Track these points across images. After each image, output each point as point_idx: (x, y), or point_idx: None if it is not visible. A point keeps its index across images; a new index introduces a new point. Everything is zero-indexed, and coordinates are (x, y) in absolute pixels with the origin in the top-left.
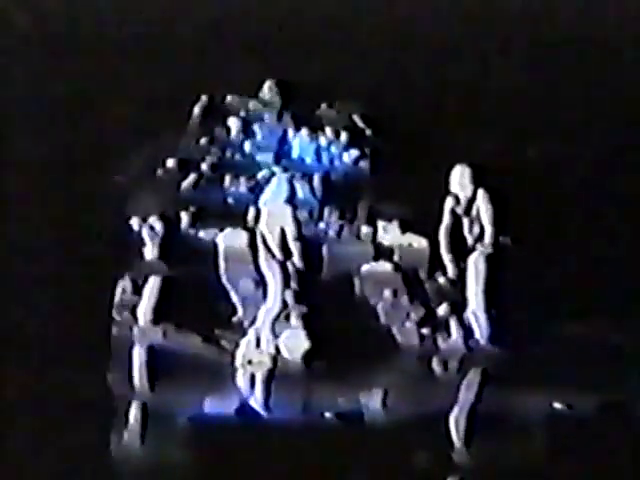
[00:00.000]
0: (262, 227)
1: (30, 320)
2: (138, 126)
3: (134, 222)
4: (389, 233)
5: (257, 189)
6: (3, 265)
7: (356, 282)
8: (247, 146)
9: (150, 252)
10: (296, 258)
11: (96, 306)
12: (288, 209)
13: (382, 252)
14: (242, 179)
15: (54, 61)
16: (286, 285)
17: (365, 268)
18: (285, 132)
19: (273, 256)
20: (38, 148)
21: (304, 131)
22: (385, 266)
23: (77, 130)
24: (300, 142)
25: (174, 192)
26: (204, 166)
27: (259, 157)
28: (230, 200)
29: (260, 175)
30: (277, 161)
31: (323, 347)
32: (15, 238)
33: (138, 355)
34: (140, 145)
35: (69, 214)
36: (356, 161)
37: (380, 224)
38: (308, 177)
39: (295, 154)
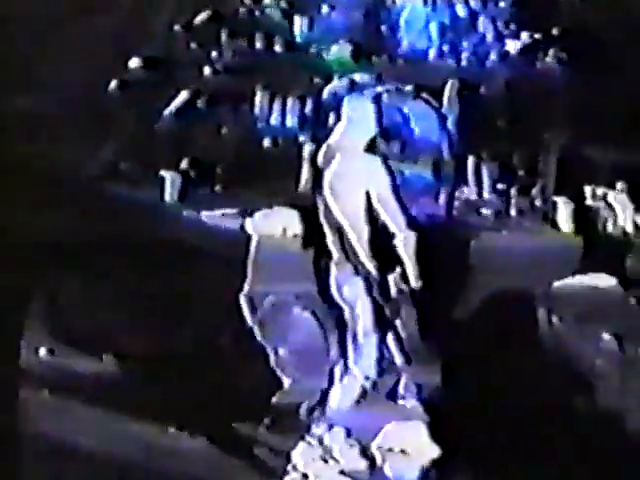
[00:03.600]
0: (328, 196)
1: None
2: None
3: None
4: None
5: (316, 118)
6: None
7: (539, 310)
8: (297, 27)
9: None
10: (406, 265)
11: None
12: (377, 161)
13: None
14: (290, 100)
15: None
16: (381, 323)
17: (559, 284)
18: None
19: (355, 260)
20: None
21: None
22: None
23: None
24: (411, 12)
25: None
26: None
27: (333, 51)
28: (267, 143)
29: (327, 90)
30: (357, 57)
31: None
32: None
33: None
34: None
35: None
36: (525, 50)
37: (588, 191)
38: (429, 90)
39: (405, 40)
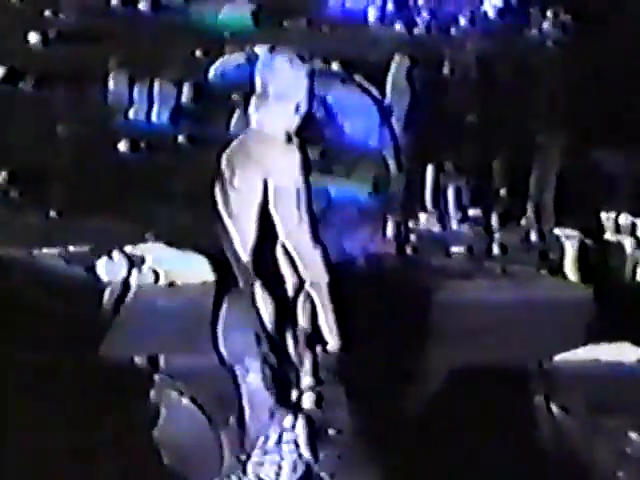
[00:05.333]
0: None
1: None
2: None
3: None
4: None
5: (198, 111)
6: None
7: (534, 395)
8: None
9: None
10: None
11: None
12: (295, 168)
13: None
14: (159, 84)
15: None
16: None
17: (562, 359)
18: None
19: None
20: None
21: None
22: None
23: None
24: None
25: None
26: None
27: (225, 12)
28: (124, 147)
29: (215, 69)
30: (259, 19)
31: None
32: None
33: None
34: None
35: None
36: (511, 12)
37: (606, 219)
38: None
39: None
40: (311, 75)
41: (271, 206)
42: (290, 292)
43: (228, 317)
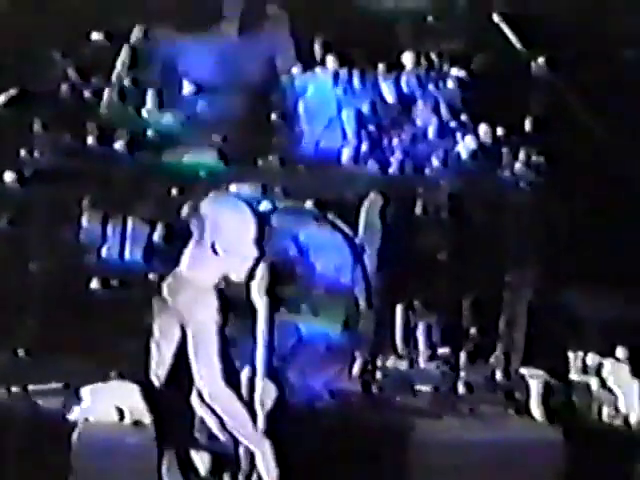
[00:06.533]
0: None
1: None
2: None
3: None
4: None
5: (171, 248)
6: None
7: None
8: (147, 113)
9: None
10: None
11: None
12: (215, 317)
13: None
14: (133, 222)
15: None
16: None
17: None
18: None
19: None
20: None
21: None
22: None
23: None
24: (315, 95)
25: None
26: None
27: (196, 153)
28: (95, 284)
29: (188, 207)
30: (227, 159)
31: None
32: None
33: None
34: None
35: None
36: (483, 152)
37: (573, 359)
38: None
39: (306, 136)
40: (260, 219)
41: (190, 355)
42: (223, 437)
43: (169, 465)
